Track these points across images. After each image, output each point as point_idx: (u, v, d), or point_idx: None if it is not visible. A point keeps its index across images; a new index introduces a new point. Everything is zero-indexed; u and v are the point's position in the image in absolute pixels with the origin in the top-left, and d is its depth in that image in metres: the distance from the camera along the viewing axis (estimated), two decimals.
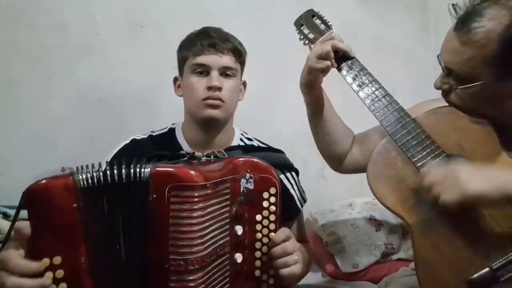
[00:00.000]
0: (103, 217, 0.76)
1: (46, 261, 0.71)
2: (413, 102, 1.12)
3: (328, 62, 1.02)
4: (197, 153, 0.87)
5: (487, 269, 0.85)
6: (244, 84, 1.25)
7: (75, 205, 0.72)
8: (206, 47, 1.11)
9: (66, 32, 1.55)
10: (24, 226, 0.70)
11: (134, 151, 1.12)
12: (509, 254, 0.84)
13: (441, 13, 2.02)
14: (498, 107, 0.94)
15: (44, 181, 0.72)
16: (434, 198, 0.84)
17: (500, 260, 0.84)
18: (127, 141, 1.18)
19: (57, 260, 0.71)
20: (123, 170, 0.77)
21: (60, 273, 0.71)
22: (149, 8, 1.67)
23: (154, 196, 0.74)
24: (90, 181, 0.75)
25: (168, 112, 1.65)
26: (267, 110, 1.79)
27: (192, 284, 0.75)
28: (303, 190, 1.24)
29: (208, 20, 1.69)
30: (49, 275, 0.71)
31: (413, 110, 1.02)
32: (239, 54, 1.16)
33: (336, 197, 1.75)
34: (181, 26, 1.67)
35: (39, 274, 0.70)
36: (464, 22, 0.90)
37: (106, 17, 1.61)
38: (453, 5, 0.94)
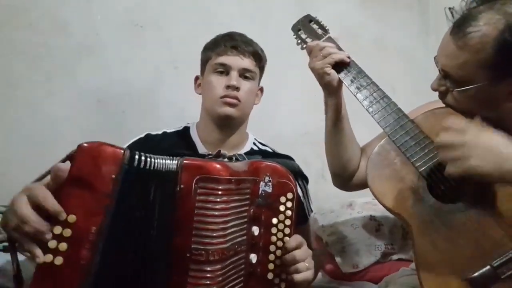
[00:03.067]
0: (137, 201, 0.76)
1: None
2: (414, 102, 1.12)
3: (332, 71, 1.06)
4: (223, 151, 0.89)
5: (488, 267, 0.85)
6: (261, 89, 1.28)
7: (113, 176, 0.74)
8: (229, 48, 1.16)
9: (66, 32, 1.55)
10: (63, 169, 0.71)
11: (147, 145, 1.14)
12: (510, 252, 0.84)
13: (441, 14, 2.02)
14: (493, 109, 0.95)
15: (98, 143, 0.75)
16: (441, 161, 0.85)
17: (501, 257, 0.84)
18: (142, 135, 1.21)
19: (72, 218, 0.70)
20: (161, 160, 0.78)
21: (67, 232, 0.70)
22: (149, 8, 1.67)
23: (182, 186, 0.76)
24: (136, 162, 0.76)
25: (168, 112, 1.65)
26: (267, 111, 1.77)
27: (210, 275, 0.76)
28: (311, 200, 1.25)
29: (208, 20, 1.70)
30: (57, 229, 0.69)
31: (412, 113, 1.03)
32: (259, 58, 1.21)
33: (336, 197, 1.75)
34: (181, 26, 1.68)
35: (53, 221, 0.69)
36: (460, 26, 0.91)
37: (106, 17, 1.61)
38: (449, 8, 0.95)
